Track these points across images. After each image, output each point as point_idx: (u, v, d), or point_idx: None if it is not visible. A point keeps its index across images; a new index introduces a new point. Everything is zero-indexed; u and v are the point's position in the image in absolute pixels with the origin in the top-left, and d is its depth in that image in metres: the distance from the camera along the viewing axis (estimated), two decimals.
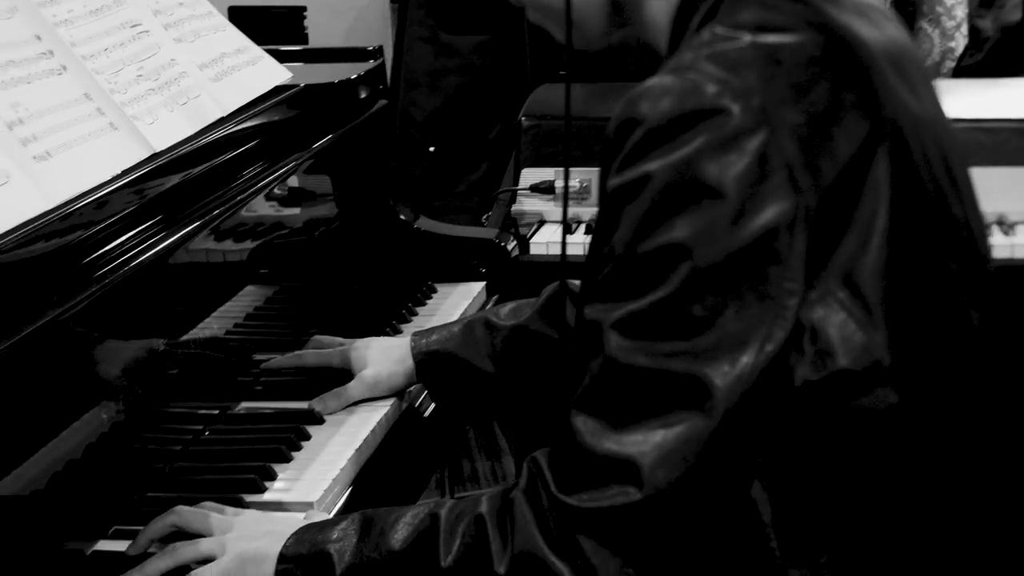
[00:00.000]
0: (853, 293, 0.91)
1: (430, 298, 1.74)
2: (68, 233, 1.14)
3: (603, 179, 0.97)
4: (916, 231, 0.96)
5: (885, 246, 0.92)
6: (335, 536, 1.04)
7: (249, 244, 1.53)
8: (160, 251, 1.26)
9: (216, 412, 1.38)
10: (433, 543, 0.99)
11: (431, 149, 3.01)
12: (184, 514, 1.13)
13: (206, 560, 1.09)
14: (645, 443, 0.90)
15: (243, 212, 1.48)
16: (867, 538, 0.98)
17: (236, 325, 1.50)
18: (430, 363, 1.41)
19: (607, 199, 0.95)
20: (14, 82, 1.23)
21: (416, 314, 1.69)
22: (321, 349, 1.48)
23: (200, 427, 1.34)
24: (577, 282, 1.24)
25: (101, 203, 1.19)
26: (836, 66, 0.95)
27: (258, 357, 1.49)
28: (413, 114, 3.16)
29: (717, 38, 0.95)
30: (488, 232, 1.86)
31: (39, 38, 1.31)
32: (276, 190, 1.57)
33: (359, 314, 1.67)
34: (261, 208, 1.55)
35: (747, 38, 0.93)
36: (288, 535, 1.07)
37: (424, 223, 1.83)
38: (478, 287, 1.76)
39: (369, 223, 1.81)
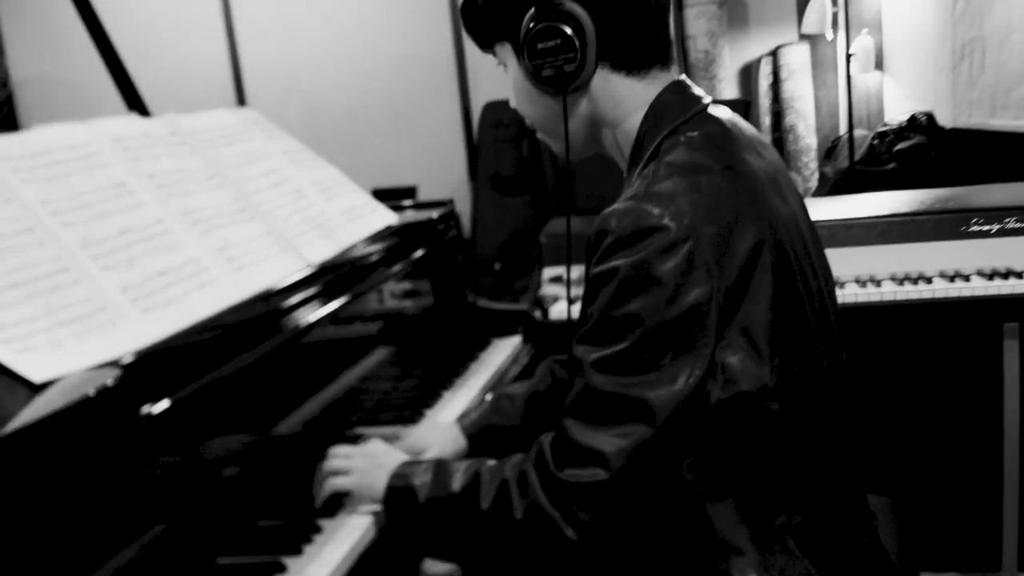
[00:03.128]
0: (748, 341, 1.15)
1: (489, 345, 2.21)
2: (257, 304, 1.48)
3: (586, 267, 1.19)
4: (789, 296, 1.19)
5: (770, 308, 1.16)
6: (418, 475, 1.29)
7: (380, 321, 1.92)
8: (319, 318, 1.59)
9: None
10: (476, 491, 1.22)
11: (496, 266, 3.75)
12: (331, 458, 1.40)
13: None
14: (611, 441, 1.13)
15: (369, 299, 1.84)
16: (761, 486, 1.19)
17: (366, 378, 1.82)
18: (479, 435, 1.62)
19: (589, 281, 1.18)
20: (219, 227, 1.56)
21: (482, 352, 2.16)
22: (396, 439, 1.60)
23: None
24: (561, 356, 1.66)
25: (274, 293, 1.53)
26: (737, 192, 1.18)
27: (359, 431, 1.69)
28: (485, 245, 3.93)
29: (659, 176, 1.18)
30: (524, 306, 2.37)
31: (237, 200, 1.66)
32: (397, 286, 1.98)
33: (452, 355, 2.09)
34: (390, 300, 1.95)
35: (679, 177, 1.16)
36: (392, 468, 1.32)
37: (485, 302, 2.35)
38: (517, 339, 2.25)
39: (453, 305, 2.28)
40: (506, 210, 4.32)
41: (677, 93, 1.27)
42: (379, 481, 1.32)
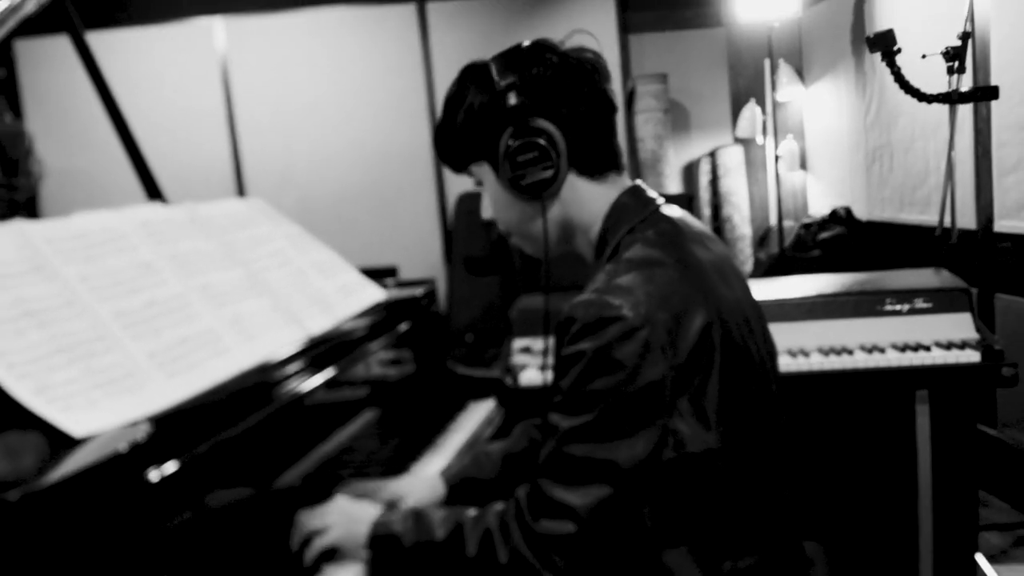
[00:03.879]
0: (698, 410, 1.18)
1: (466, 408, 2.22)
2: (266, 371, 1.49)
3: (557, 348, 1.22)
4: (735, 370, 1.21)
5: (718, 381, 1.19)
6: (398, 523, 1.28)
7: (368, 386, 1.88)
8: (322, 382, 1.60)
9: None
10: (460, 539, 1.23)
11: (468, 338, 3.82)
12: (307, 520, 1.36)
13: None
14: (579, 497, 1.15)
15: (361, 366, 1.82)
16: (709, 532, 1.22)
17: (357, 437, 1.77)
18: (459, 485, 1.61)
19: (560, 360, 1.20)
20: (232, 302, 1.57)
21: (460, 413, 2.16)
22: (362, 492, 1.54)
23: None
24: (536, 421, 1.64)
25: (280, 362, 1.54)
26: (686, 282, 1.21)
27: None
28: (458, 319, 3.99)
29: (619, 271, 1.21)
30: (496, 373, 2.38)
31: (247, 278, 1.67)
32: (383, 355, 1.96)
33: (435, 417, 2.11)
34: (377, 367, 1.94)
35: (636, 271, 1.20)
36: (371, 517, 1.31)
37: (463, 369, 2.36)
38: (492, 403, 2.25)
39: (434, 371, 2.28)
40: (477, 288, 4.40)
41: (634, 196, 1.32)
42: (361, 531, 1.31)
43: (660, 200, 1.34)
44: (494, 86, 1.26)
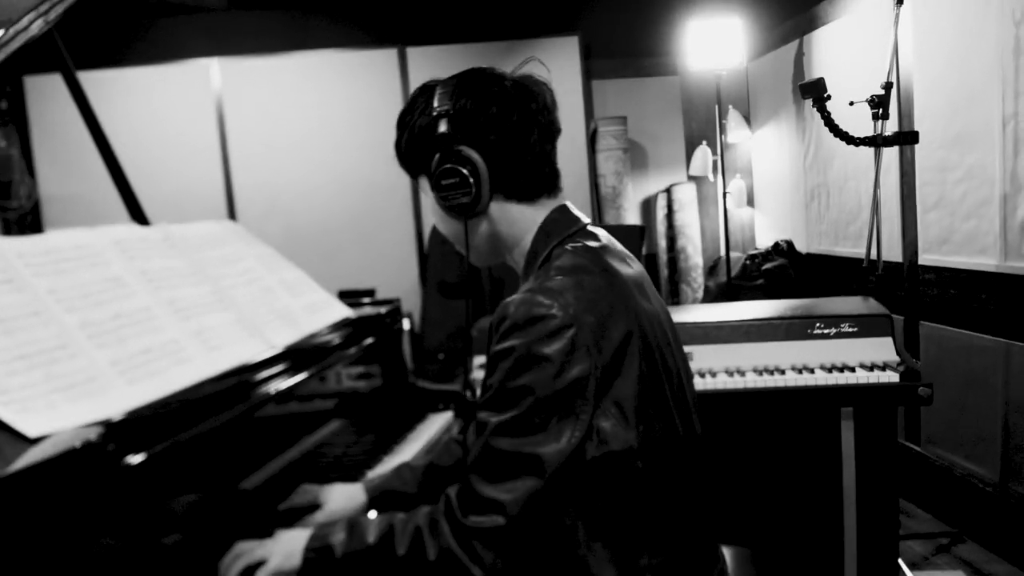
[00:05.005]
0: (619, 410, 1.15)
1: (426, 419, 2.19)
2: (227, 377, 1.47)
3: (488, 346, 1.20)
4: (651, 376, 1.20)
5: (637, 383, 1.17)
6: (334, 534, 1.22)
7: (336, 398, 1.87)
8: (282, 390, 1.57)
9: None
10: (391, 539, 1.18)
11: (440, 356, 3.76)
12: (244, 550, 1.27)
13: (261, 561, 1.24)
14: (507, 492, 1.12)
15: (323, 378, 1.79)
16: (627, 529, 1.19)
17: (321, 444, 1.77)
18: (379, 496, 1.53)
19: (490, 357, 1.18)
20: (197, 315, 1.54)
21: (419, 424, 2.13)
22: (306, 493, 1.53)
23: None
24: (459, 436, 1.61)
25: (246, 368, 1.53)
26: (612, 290, 1.19)
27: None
28: (431, 339, 3.95)
29: (550, 275, 1.19)
30: (456, 387, 2.31)
31: (214, 293, 1.65)
32: (347, 367, 1.92)
33: (396, 426, 2.08)
34: (345, 380, 1.92)
35: (565, 276, 1.18)
36: (306, 535, 1.23)
37: (425, 384, 2.33)
38: (450, 414, 2.24)
39: (398, 385, 2.25)
40: (449, 310, 4.36)
41: (562, 214, 1.30)
42: (297, 548, 1.24)
43: (587, 219, 1.32)
44: (432, 111, 1.25)
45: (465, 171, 1.23)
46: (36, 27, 1.80)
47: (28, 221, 4.68)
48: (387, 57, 4.99)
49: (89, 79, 4.72)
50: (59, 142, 4.79)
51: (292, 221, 4.96)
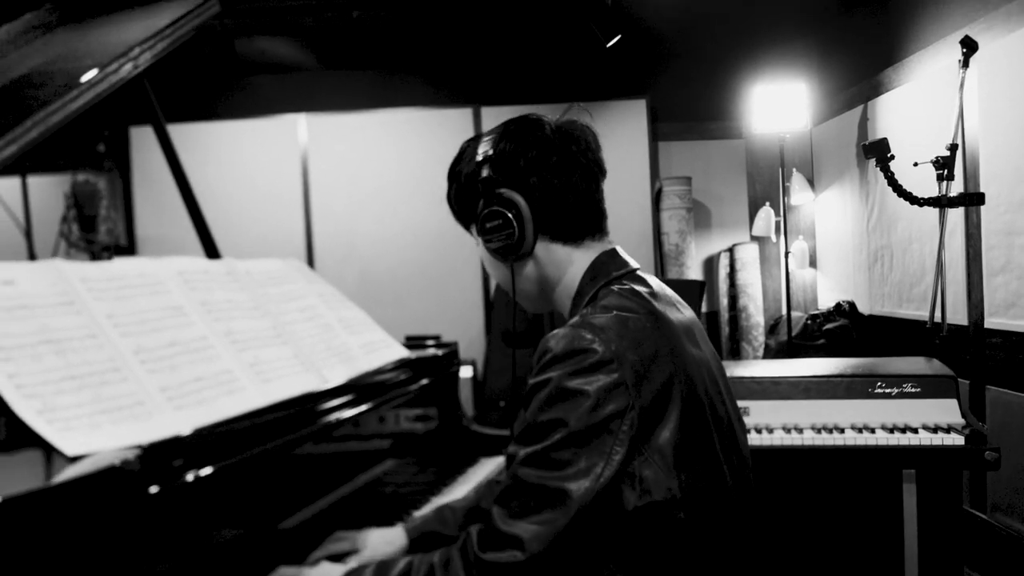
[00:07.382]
0: (660, 456, 1.06)
1: (478, 462, 2.11)
2: (277, 410, 1.40)
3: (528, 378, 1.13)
4: (695, 423, 1.11)
5: (678, 430, 1.07)
6: (364, 571, 1.18)
7: (391, 438, 1.82)
8: (331, 423, 1.52)
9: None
10: None
11: (501, 403, 3.67)
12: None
13: None
14: (528, 528, 1.03)
15: (377, 417, 1.73)
16: None
17: (372, 483, 1.73)
18: (419, 538, 1.48)
19: (528, 390, 1.11)
20: (254, 348, 1.50)
21: (470, 467, 2.05)
22: (341, 540, 1.46)
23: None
24: (498, 479, 1.56)
25: (296, 400, 1.47)
26: (657, 332, 1.12)
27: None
28: (494, 387, 3.88)
29: (595, 313, 1.13)
30: (507, 432, 2.10)
31: (273, 328, 1.61)
32: (401, 407, 1.86)
33: (446, 468, 2.01)
34: (392, 418, 1.85)
35: (611, 313, 1.12)
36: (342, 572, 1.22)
37: (477, 427, 2.25)
38: (501, 459, 2.10)
39: (452, 427, 2.19)
40: (512, 359, 4.34)
41: (611, 257, 1.25)
42: None
43: (636, 264, 1.26)
44: (476, 157, 1.24)
45: (508, 213, 1.20)
46: (125, 71, 1.82)
47: (107, 256, 4.80)
48: (462, 116, 5.02)
49: (187, 130, 4.90)
50: (156, 188, 4.94)
51: (367, 268, 4.98)
